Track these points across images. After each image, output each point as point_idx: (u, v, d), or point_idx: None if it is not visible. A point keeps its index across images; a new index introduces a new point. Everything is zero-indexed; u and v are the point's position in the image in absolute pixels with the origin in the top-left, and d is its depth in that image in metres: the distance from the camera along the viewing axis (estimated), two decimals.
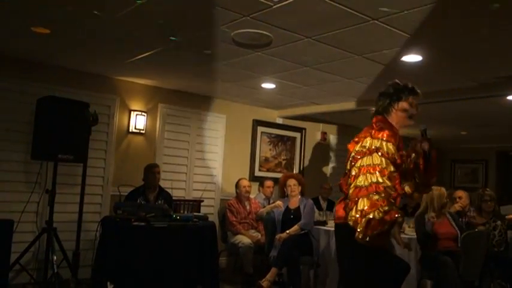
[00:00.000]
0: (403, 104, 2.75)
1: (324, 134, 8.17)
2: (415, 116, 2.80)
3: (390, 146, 2.56)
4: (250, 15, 3.35)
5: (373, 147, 2.57)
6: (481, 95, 5.12)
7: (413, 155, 2.80)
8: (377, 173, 2.48)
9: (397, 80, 2.81)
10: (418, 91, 2.77)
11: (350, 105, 6.31)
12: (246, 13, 3.31)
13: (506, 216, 5.01)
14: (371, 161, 2.53)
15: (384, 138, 2.57)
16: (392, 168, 2.53)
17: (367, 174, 2.50)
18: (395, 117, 2.77)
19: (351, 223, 2.47)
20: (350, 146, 2.75)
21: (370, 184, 2.46)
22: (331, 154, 8.32)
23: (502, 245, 4.76)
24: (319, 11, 3.16)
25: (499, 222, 4.81)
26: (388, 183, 2.48)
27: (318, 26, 3.51)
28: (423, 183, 2.87)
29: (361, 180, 2.50)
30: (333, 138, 8.35)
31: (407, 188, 2.80)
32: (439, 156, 3.00)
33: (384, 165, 2.51)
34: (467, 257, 4.28)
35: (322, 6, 3.07)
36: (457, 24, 3.31)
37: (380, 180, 2.47)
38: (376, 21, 3.29)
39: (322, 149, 8.18)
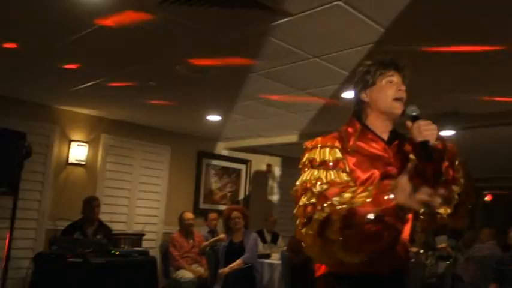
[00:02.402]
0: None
1: (269, 166, 8.25)
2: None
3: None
4: (195, 48, 3.39)
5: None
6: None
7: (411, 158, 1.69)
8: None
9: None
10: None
11: (293, 138, 6.45)
12: (191, 45, 3.35)
13: (438, 246, 5.22)
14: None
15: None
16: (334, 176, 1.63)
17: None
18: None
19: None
20: None
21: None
22: (276, 186, 8.40)
23: (435, 276, 4.94)
24: (264, 47, 3.25)
25: (430, 253, 5.01)
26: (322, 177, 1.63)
27: (262, 62, 3.60)
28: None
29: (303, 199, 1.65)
30: (277, 170, 8.45)
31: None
32: None
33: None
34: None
35: (266, 43, 3.16)
36: None
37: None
38: (316, 59, 3.42)
39: (267, 181, 8.24)
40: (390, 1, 2.51)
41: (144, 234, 5.80)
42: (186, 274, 5.33)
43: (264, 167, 8.17)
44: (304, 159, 1.74)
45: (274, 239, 6.76)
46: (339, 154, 1.68)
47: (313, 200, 1.56)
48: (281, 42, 3.14)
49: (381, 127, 1.77)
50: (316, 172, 1.64)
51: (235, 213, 5.35)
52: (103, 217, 5.24)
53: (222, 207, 6.64)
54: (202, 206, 7.05)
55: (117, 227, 5.65)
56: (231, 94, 4.56)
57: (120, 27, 3.03)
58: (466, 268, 5.61)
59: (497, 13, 2.59)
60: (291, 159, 8.51)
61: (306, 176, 1.67)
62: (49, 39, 3.34)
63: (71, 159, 5.68)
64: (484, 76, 3.64)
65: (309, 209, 1.56)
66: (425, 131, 1.58)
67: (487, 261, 4.95)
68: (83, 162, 5.77)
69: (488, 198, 10.89)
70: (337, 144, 1.71)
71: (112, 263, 4.25)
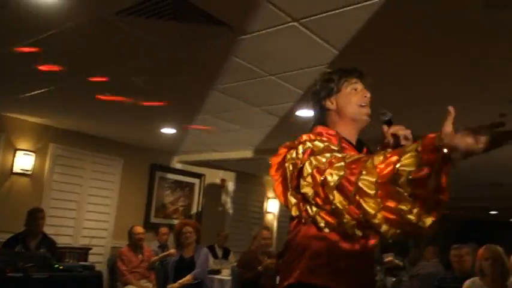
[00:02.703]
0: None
1: (223, 180, 8.23)
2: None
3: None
4: (151, 60, 3.37)
5: None
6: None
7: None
8: None
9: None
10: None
11: (248, 153, 6.49)
12: (147, 57, 3.33)
13: (385, 260, 5.35)
14: None
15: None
16: None
17: None
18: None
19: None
20: None
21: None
22: (229, 201, 8.37)
23: None
24: (220, 63, 3.28)
25: (378, 268, 5.13)
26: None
27: (218, 77, 3.62)
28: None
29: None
30: (231, 185, 8.43)
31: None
32: None
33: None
34: None
35: (223, 59, 3.19)
36: None
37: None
38: (272, 77, 3.48)
39: (220, 196, 8.21)
40: (343, 25, 2.61)
41: (90, 248, 5.62)
42: None
43: (218, 182, 8.15)
44: (292, 156, 1.50)
45: (226, 254, 6.71)
46: (334, 146, 1.53)
47: (342, 173, 1.29)
48: (238, 59, 3.18)
49: (350, 135, 1.74)
50: (324, 156, 1.40)
51: (186, 228, 5.28)
52: (48, 230, 5.03)
53: (174, 222, 6.54)
54: (153, 220, 6.92)
55: (62, 241, 5.45)
56: (186, 107, 4.54)
57: (75, 35, 2.97)
58: (410, 285, 5.77)
59: (445, 40, 2.74)
60: (245, 175, 8.54)
61: (314, 163, 1.40)
62: None
63: (16, 169, 5.44)
64: (435, 96, 3.81)
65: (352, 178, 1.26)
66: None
67: (431, 279, 5.12)
68: (29, 172, 5.54)
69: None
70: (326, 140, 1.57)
71: (55, 278, 4.08)
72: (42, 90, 4.26)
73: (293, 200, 1.46)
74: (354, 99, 1.73)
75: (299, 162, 1.45)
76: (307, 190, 1.38)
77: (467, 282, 3.75)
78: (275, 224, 9.15)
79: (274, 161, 1.58)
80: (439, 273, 5.34)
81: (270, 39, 2.84)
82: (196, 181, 7.73)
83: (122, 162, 6.56)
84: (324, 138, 1.57)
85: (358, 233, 1.33)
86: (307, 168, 1.40)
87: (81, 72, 3.71)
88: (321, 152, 1.43)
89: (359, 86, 1.76)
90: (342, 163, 1.31)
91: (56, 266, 4.21)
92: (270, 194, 9.22)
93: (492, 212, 13.13)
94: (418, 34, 2.66)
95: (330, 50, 2.93)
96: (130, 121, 5.35)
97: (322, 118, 1.78)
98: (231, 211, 8.34)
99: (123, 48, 3.16)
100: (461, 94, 3.60)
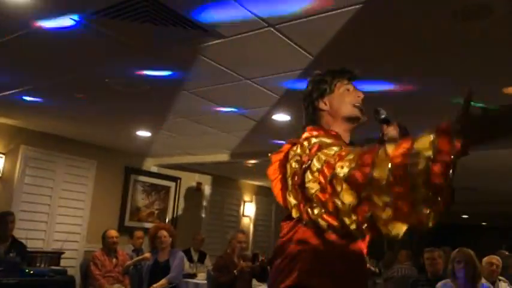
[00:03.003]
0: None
1: (199, 184, 8.19)
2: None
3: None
4: (126, 62, 3.33)
5: None
6: None
7: None
8: None
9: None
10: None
11: (224, 157, 6.47)
12: (122, 59, 3.29)
13: None
14: None
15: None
16: None
17: None
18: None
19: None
20: None
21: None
22: (205, 205, 8.34)
23: None
24: (196, 66, 3.27)
25: None
26: None
27: (194, 80, 3.61)
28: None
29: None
30: (207, 189, 8.40)
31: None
32: None
33: None
34: None
35: (199, 62, 3.18)
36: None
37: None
38: (248, 81, 3.49)
39: (196, 200, 8.16)
40: (318, 31, 2.63)
41: (63, 252, 5.51)
42: None
43: (194, 185, 8.10)
44: (297, 152, 1.43)
45: (201, 258, 6.67)
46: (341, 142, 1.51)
47: (353, 164, 1.22)
48: (213, 62, 3.17)
49: (344, 136, 1.71)
50: (331, 150, 1.34)
51: (161, 232, 5.24)
52: (18, 234, 4.92)
53: (149, 225, 6.47)
54: (127, 223, 6.83)
55: (33, 245, 5.33)
56: (161, 110, 4.51)
57: (48, 35, 2.92)
58: (385, 287, 5.86)
59: (415, 52, 2.79)
60: (222, 178, 8.52)
61: (322, 158, 1.33)
62: None
63: None
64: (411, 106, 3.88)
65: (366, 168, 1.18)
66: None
67: (405, 282, 5.20)
68: None
69: None
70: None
71: (25, 283, 4.02)
72: (13, 91, 4.17)
73: (293, 201, 1.40)
74: (347, 99, 1.73)
75: (306, 158, 1.38)
76: (312, 186, 1.31)
77: (439, 284, 3.83)
78: (251, 227, 9.16)
79: (275, 158, 1.52)
80: (412, 276, 5.43)
81: (246, 43, 2.85)
82: (172, 184, 7.67)
83: (96, 165, 6.46)
84: (332, 133, 1.60)
85: (362, 233, 1.27)
86: (316, 164, 1.32)
87: (53, 74, 3.65)
88: (329, 146, 1.38)
89: (351, 87, 1.76)
90: (352, 155, 1.23)
91: (27, 270, 4.13)
92: (247, 197, 9.22)
93: (464, 216, 13.43)
94: (393, 41, 2.71)
95: (305, 55, 2.96)
96: (104, 123, 5.27)
97: (315, 119, 1.75)
98: (207, 215, 8.31)
99: (97, 49, 3.12)
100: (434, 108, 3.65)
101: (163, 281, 4.96)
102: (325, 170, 1.28)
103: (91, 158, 6.41)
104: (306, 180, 1.33)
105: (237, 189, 9.07)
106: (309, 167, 1.34)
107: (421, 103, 3.68)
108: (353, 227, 1.22)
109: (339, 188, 1.21)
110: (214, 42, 2.86)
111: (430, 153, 1.06)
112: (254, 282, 5.03)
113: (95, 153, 6.45)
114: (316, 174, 1.30)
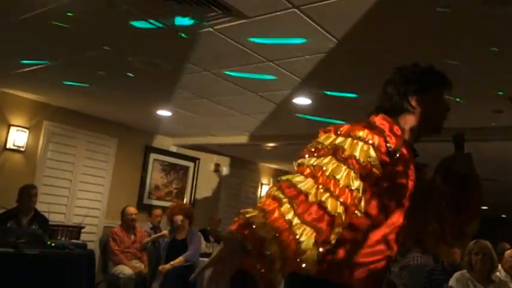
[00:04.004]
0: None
1: (217, 165, 8.23)
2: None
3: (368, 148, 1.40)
4: (148, 41, 3.33)
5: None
6: None
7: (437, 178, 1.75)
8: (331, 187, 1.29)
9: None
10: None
11: (243, 139, 6.47)
12: (144, 37, 3.29)
13: None
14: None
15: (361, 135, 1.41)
16: (356, 184, 1.33)
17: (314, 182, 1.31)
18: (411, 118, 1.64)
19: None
20: None
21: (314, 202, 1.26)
22: (223, 186, 8.39)
23: None
24: (218, 46, 3.25)
25: None
26: (339, 210, 1.27)
27: (216, 61, 3.59)
28: (453, 227, 1.72)
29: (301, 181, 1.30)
30: (225, 170, 8.44)
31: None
32: None
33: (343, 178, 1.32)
34: None
35: (221, 42, 3.16)
36: (343, 74, 3.60)
37: (328, 202, 1.26)
38: (270, 63, 3.46)
39: (214, 181, 8.22)
40: (344, 13, 2.58)
41: (83, 227, 5.62)
42: (125, 270, 5.23)
43: (212, 166, 8.15)
44: (326, 143, 1.41)
45: None
46: (372, 153, 1.39)
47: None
48: (236, 43, 3.15)
49: (410, 141, 1.63)
50: (336, 166, 1.33)
51: (177, 217, 5.24)
52: (40, 207, 5.03)
53: (167, 204, 6.55)
54: (146, 201, 6.93)
55: (55, 218, 5.45)
56: (182, 90, 4.52)
57: (71, 11, 2.93)
58: (400, 276, 5.83)
59: (445, 35, 2.72)
60: (240, 160, 8.54)
61: (320, 161, 1.35)
62: None
63: (9, 145, 5.41)
64: None
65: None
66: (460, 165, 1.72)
67: (420, 270, 5.17)
68: (22, 149, 5.52)
69: None
70: (377, 141, 1.42)
71: (47, 254, 4.11)
72: (37, 67, 4.22)
73: None
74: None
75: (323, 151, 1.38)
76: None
77: (456, 275, 3.80)
78: None
79: None
80: (428, 264, 5.40)
81: (269, 24, 2.81)
82: (190, 164, 7.73)
83: (116, 142, 6.54)
84: (399, 132, 1.52)
85: None
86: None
87: (76, 50, 3.67)
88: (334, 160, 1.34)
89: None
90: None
91: (48, 243, 4.22)
92: (264, 180, 9.24)
93: (483, 207, 13.21)
94: (421, 22, 2.64)
95: (329, 38, 2.91)
96: (126, 102, 5.32)
97: (396, 110, 1.61)
98: (224, 196, 8.36)
99: (120, 27, 3.12)
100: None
101: (180, 259, 5.03)
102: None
103: (112, 136, 6.49)
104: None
105: (255, 172, 9.09)
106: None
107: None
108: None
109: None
110: (237, 22, 2.83)
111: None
112: None
113: (116, 131, 6.53)
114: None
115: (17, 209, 4.72)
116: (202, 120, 5.77)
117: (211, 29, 2.98)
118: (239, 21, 2.81)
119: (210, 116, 5.54)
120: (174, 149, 7.45)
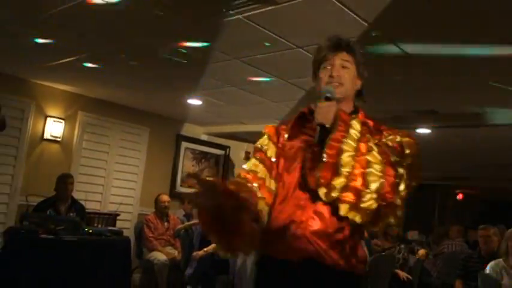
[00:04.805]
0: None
1: (247, 153, 8.24)
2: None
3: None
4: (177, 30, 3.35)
5: None
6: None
7: None
8: None
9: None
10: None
11: None
12: (173, 27, 3.32)
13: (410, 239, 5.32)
14: None
15: None
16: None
17: None
18: None
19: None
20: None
21: None
22: None
23: (405, 268, 5.05)
24: (248, 34, 3.24)
25: (402, 246, 5.11)
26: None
27: (246, 49, 3.59)
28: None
29: None
30: None
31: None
32: None
33: None
34: (374, 279, 4.49)
35: (250, 30, 3.15)
36: (370, 64, 3.53)
37: None
38: (300, 50, 3.43)
39: None
40: None
41: (118, 214, 5.77)
42: (159, 256, 5.33)
43: (242, 154, 8.17)
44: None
45: None
46: (265, 141, 1.79)
47: None
48: (265, 30, 3.13)
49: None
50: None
51: None
52: (77, 195, 5.19)
53: None
54: (178, 189, 7.04)
55: (91, 206, 5.61)
56: (212, 79, 4.54)
57: (102, 4, 2.98)
58: (434, 263, 5.75)
59: (483, 15, 2.63)
60: None
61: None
62: (27, 11, 3.25)
63: (47, 135, 5.59)
64: (462, 78, 3.70)
65: None
66: (317, 114, 1.58)
67: (455, 258, 5.08)
68: (59, 139, 5.69)
69: (459, 196, 11.15)
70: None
71: (84, 241, 4.22)
72: (70, 59, 4.32)
73: None
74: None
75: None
76: None
77: (492, 263, 3.72)
78: None
79: None
80: (463, 252, 5.30)
81: (299, 10, 2.78)
82: (221, 153, 7.80)
83: (148, 132, 6.65)
84: None
85: None
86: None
87: (108, 42, 3.73)
88: None
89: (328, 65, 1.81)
90: None
91: (86, 229, 4.34)
92: None
93: None
94: (453, 6, 2.56)
95: (360, 22, 2.86)
96: (157, 91, 5.38)
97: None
98: None
99: (149, 17, 3.15)
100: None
101: (213, 245, 5.10)
102: None
103: (144, 125, 6.60)
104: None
105: None
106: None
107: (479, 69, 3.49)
108: None
109: None
110: (266, 9, 2.81)
111: None
112: None
113: (148, 121, 6.63)
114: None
115: (55, 198, 4.87)
116: (232, 108, 5.79)
117: (240, 16, 2.97)
118: (268, 8, 2.79)
119: (240, 104, 5.56)
120: (204, 137, 7.52)
